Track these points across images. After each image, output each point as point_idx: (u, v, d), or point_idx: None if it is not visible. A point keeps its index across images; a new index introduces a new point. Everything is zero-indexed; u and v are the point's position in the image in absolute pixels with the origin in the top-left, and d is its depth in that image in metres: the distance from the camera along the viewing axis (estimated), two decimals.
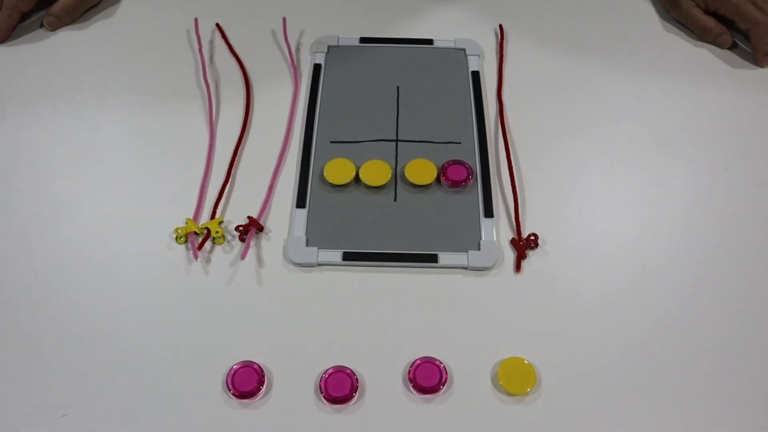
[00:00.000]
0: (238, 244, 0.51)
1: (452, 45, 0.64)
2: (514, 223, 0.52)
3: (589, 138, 0.58)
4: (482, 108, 0.59)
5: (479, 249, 0.50)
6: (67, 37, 0.65)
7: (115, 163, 0.55)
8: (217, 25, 0.66)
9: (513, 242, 0.51)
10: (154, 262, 0.50)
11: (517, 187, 0.54)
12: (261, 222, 0.51)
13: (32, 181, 0.54)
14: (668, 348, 0.46)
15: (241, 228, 0.51)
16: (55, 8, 0.63)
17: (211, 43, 0.65)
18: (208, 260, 0.50)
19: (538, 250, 0.51)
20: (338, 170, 0.54)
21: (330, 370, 0.44)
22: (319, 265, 0.50)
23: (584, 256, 0.50)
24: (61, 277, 0.49)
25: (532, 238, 0.50)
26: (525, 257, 0.50)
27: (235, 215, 0.52)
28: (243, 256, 0.50)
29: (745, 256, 0.50)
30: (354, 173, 0.54)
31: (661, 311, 0.48)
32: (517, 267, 0.49)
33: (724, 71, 0.63)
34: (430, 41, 0.65)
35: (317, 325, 0.47)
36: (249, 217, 0.51)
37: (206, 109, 0.59)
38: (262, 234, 0.51)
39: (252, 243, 0.50)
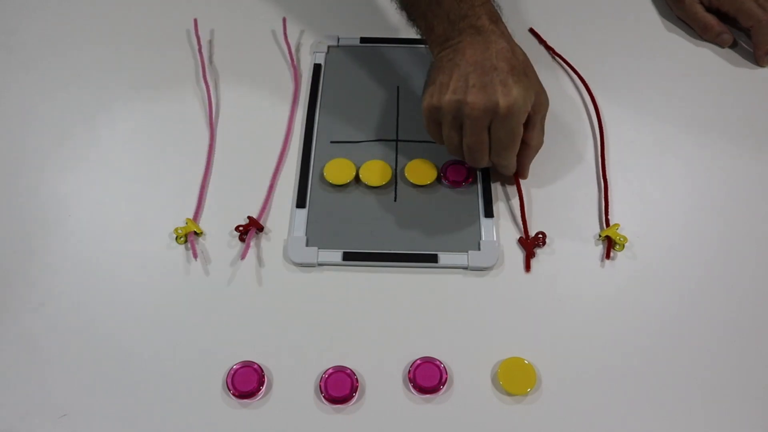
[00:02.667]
0: (238, 244, 0.51)
1: None
2: (521, 223, 0.52)
3: (589, 137, 0.58)
4: None
5: (479, 249, 0.50)
6: (66, 37, 0.65)
7: (115, 163, 0.55)
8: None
9: (521, 241, 0.51)
10: (154, 262, 0.50)
11: (516, 188, 0.54)
12: (261, 222, 0.51)
13: (32, 181, 0.54)
14: (667, 347, 0.46)
15: (241, 228, 0.51)
16: None
17: (211, 43, 0.65)
18: (208, 260, 0.50)
19: (538, 250, 0.51)
20: (338, 170, 0.54)
21: (330, 370, 0.44)
22: (319, 265, 0.50)
23: (584, 256, 0.50)
24: (61, 277, 0.49)
25: (540, 236, 0.50)
26: (534, 256, 0.50)
27: (235, 215, 0.52)
28: (243, 256, 0.50)
29: (745, 256, 0.50)
30: (354, 173, 0.54)
31: (661, 311, 0.48)
32: (527, 267, 0.49)
33: (724, 70, 0.63)
34: None
35: (317, 325, 0.47)
36: (249, 217, 0.51)
37: (206, 109, 0.59)
38: (262, 234, 0.51)
39: (252, 243, 0.50)
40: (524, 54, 0.50)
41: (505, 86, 0.47)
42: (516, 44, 0.50)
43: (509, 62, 0.48)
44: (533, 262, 0.50)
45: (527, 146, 0.51)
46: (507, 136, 0.48)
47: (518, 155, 0.51)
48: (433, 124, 0.50)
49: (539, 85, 0.50)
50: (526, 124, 0.49)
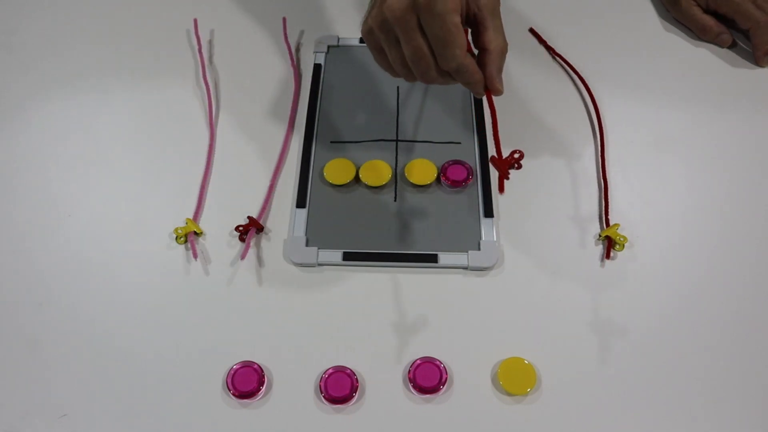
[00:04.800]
0: (238, 244, 0.51)
1: None
2: (494, 143, 0.45)
3: (589, 137, 0.58)
4: (482, 108, 0.59)
5: (479, 249, 0.50)
6: (66, 37, 0.65)
7: (115, 163, 0.55)
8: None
9: (493, 161, 0.44)
10: (154, 262, 0.50)
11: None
12: (261, 222, 0.51)
13: (32, 181, 0.54)
14: (667, 347, 0.46)
15: (241, 228, 0.51)
16: None
17: (211, 43, 0.65)
18: (208, 260, 0.50)
19: (538, 250, 0.51)
20: (338, 170, 0.54)
21: (330, 370, 0.44)
22: (319, 265, 0.50)
23: (584, 256, 0.50)
24: (61, 277, 0.49)
25: (516, 155, 0.44)
26: (508, 177, 0.44)
27: (235, 215, 0.52)
28: (243, 256, 0.50)
29: (745, 256, 0.50)
30: (354, 173, 0.54)
31: (660, 311, 0.48)
32: (501, 187, 0.45)
33: (724, 71, 0.63)
34: None
35: (317, 325, 0.47)
36: (249, 217, 0.51)
37: (206, 109, 0.59)
38: (262, 234, 0.51)
39: (252, 243, 0.50)
40: None
41: None
42: None
43: None
44: (535, 262, 0.50)
45: (487, 51, 0.45)
46: (440, 29, 0.42)
47: (481, 65, 0.45)
48: (377, 52, 0.46)
49: None
50: (478, 27, 0.45)
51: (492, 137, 0.44)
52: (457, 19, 0.42)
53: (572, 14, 0.68)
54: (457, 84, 0.60)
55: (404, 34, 0.43)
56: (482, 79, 0.45)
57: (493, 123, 0.45)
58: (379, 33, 0.45)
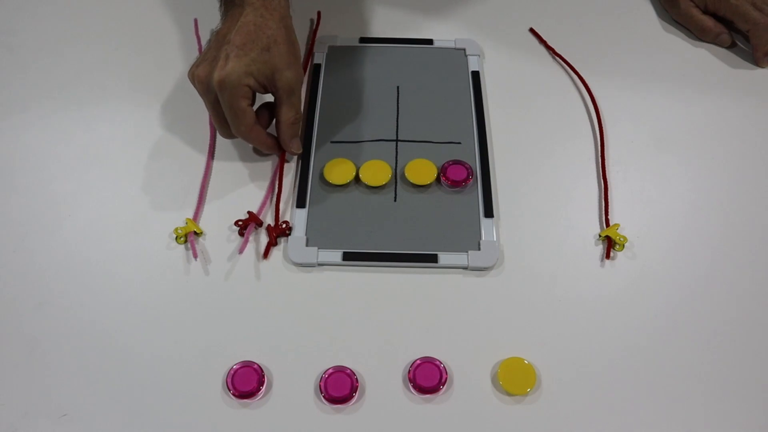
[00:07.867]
0: (238, 244, 0.51)
1: (452, 45, 0.64)
2: (274, 211, 0.51)
3: (589, 137, 0.58)
4: (482, 108, 0.59)
5: (479, 249, 0.50)
6: (67, 37, 0.65)
7: (115, 163, 0.55)
8: None
9: (268, 228, 0.51)
10: (154, 262, 0.50)
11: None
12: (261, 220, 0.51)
13: (32, 181, 0.54)
14: (667, 347, 0.46)
15: (240, 222, 0.51)
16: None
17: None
18: (208, 260, 0.50)
19: (538, 250, 0.51)
20: (338, 170, 0.54)
21: (330, 370, 0.44)
22: (319, 265, 0.50)
23: (584, 256, 0.50)
24: (61, 277, 0.49)
25: (284, 225, 0.51)
26: (276, 244, 0.50)
27: (234, 215, 0.52)
28: (241, 251, 0.49)
29: (745, 256, 0.50)
30: (354, 173, 0.54)
31: (661, 311, 0.48)
32: (265, 254, 0.50)
33: (723, 71, 0.63)
34: (430, 41, 0.65)
35: (317, 325, 0.47)
36: (249, 212, 0.51)
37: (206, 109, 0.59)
38: (263, 234, 0.51)
39: (251, 242, 0.50)
40: (282, 30, 0.50)
41: (226, 60, 0.48)
42: (275, 19, 0.50)
43: (247, 36, 0.48)
44: (535, 262, 0.50)
45: (278, 122, 0.52)
46: (227, 111, 0.49)
47: (277, 131, 0.53)
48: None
49: (285, 62, 0.50)
50: (275, 102, 0.52)
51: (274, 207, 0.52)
52: (243, 104, 0.49)
53: (572, 14, 0.68)
54: (457, 85, 0.61)
55: (206, 103, 0.50)
56: (271, 145, 0.53)
57: (278, 187, 0.53)
58: (196, 88, 0.50)
